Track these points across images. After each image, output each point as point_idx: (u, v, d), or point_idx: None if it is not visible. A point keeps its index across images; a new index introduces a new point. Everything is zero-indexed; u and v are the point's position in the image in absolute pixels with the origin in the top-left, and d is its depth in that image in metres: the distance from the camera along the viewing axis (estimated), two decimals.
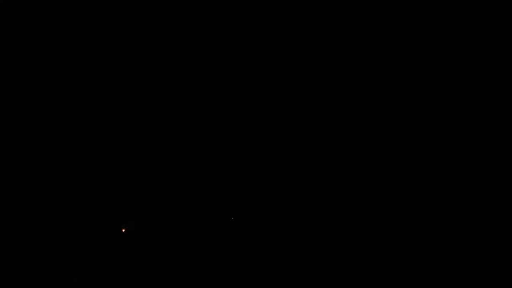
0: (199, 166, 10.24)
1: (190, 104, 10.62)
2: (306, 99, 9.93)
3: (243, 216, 9.74)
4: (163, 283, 8.91)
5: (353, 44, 9.51)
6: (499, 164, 8.60)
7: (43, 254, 9.12)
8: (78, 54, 9.99)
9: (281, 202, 9.90)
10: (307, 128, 9.96)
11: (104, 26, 10.12)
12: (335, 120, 9.77)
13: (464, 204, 8.71)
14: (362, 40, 9.44)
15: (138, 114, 10.49)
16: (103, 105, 10.29)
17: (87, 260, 9.03)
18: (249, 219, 9.74)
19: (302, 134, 9.96)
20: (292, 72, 9.94)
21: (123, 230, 8.63)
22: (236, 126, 10.44)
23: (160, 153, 10.43)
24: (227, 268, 9.14)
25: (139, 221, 9.69)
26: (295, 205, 9.78)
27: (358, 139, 9.60)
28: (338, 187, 9.56)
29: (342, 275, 8.87)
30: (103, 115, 10.29)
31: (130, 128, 10.48)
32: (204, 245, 9.53)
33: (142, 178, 10.17)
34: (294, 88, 9.98)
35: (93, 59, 10.13)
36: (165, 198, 9.99)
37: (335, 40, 9.59)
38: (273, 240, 9.51)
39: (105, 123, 10.30)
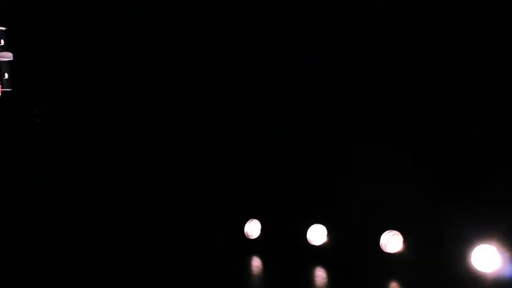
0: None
1: (189, 104, 10.64)
2: (306, 99, 9.95)
3: None
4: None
5: (353, 44, 9.51)
6: None
7: None
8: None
9: None
10: (306, 127, 9.97)
11: (104, 26, 10.14)
12: (334, 119, 9.79)
13: None
14: (362, 40, 9.44)
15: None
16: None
17: None
18: None
19: (302, 133, 9.98)
20: (292, 72, 9.96)
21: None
22: (236, 126, 10.47)
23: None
24: None
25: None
26: None
27: (357, 139, 9.61)
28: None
29: None
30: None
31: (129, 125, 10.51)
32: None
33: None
34: (294, 88, 10.00)
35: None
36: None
37: (335, 40, 9.59)
38: None
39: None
